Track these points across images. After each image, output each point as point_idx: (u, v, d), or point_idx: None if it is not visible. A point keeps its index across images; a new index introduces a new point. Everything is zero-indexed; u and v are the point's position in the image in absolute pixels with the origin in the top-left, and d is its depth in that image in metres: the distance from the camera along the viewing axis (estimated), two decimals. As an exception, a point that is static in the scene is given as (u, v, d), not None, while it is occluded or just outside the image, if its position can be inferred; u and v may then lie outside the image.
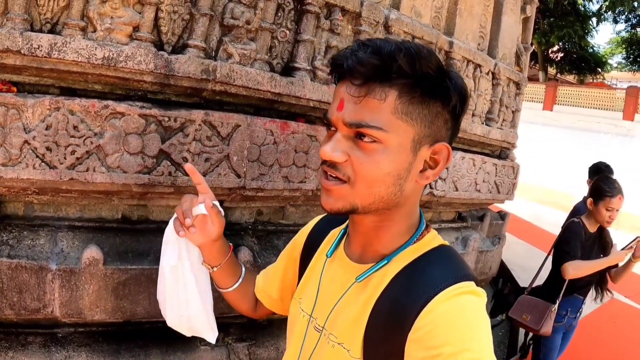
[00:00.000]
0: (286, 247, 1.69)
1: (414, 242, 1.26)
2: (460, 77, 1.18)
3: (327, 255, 1.40)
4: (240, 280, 1.73)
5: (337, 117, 1.14)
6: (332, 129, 1.19)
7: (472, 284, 1.15)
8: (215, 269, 1.68)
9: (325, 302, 1.32)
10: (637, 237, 4.13)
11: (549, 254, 4.52)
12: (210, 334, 1.82)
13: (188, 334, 1.82)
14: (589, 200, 4.22)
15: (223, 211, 1.66)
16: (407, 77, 1.09)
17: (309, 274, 1.48)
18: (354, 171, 1.13)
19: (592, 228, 4.23)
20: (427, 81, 1.11)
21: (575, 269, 3.96)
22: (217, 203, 1.63)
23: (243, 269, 1.77)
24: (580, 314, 4.44)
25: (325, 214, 1.61)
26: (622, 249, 4.15)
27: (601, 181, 4.24)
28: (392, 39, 1.14)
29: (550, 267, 4.36)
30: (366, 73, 1.09)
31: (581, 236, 4.15)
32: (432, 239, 1.29)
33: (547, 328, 4.03)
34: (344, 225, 1.46)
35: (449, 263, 1.22)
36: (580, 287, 4.24)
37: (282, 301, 1.65)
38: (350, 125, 1.12)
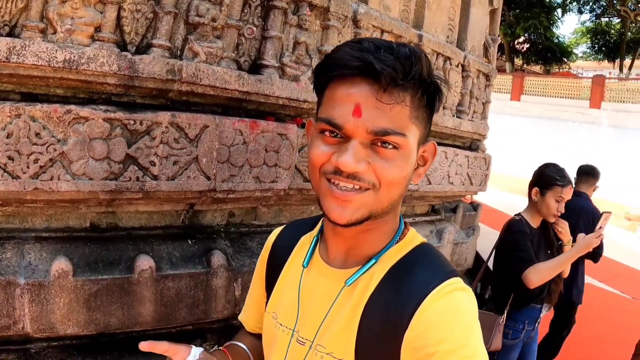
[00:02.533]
0: (255, 271, 1.61)
1: (397, 241, 1.25)
2: (442, 79, 1.22)
3: (303, 266, 1.35)
4: None
5: (356, 124, 1.07)
6: (335, 135, 1.12)
7: (459, 280, 1.16)
8: None
9: (310, 314, 1.27)
10: (603, 213, 3.76)
11: (488, 260, 4.10)
12: None
13: None
14: (534, 190, 3.80)
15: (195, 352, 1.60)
16: (422, 82, 1.10)
17: (281, 286, 1.41)
18: (379, 178, 1.10)
19: (535, 223, 3.85)
20: (433, 86, 1.14)
21: (540, 274, 3.51)
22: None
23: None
24: (538, 323, 4.02)
25: (284, 225, 1.59)
26: (591, 234, 3.62)
27: (548, 168, 3.82)
28: (397, 42, 1.12)
29: (493, 273, 3.96)
30: (394, 76, 1.05)
31: (527, 235, 3.73)
32: (413, 238, 1.29)
33: (496, 344, 3.65)
34: (315, 232, 1.42)
35: (433, 262, 1.23)
36: (536, 294, 3.75)
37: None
38: (375, 133, 1.07)
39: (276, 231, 1.58)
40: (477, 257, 5.62)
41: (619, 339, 5.96)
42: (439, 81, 1.16)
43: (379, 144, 1.09)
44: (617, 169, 19.89)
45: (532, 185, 3.85)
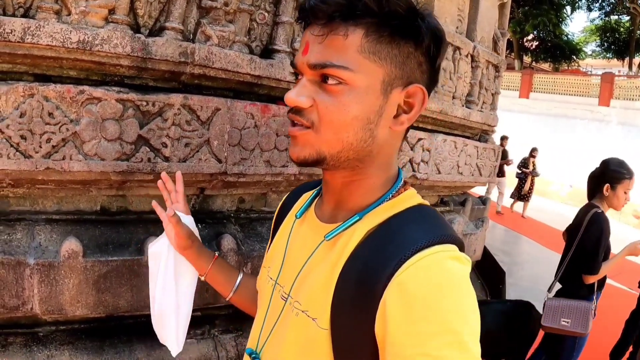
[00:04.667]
0: None
1: (389, 199, 1.17)
2: (433, 18, 1.11)
3: (296, 216, 1.34)
4: (236, 286, 1.70)
5: (302, 61, 1.09)
6: (300, 77, 1.13)
7: (454, 247, 1.04)
8: (202, 277, 1.71)
9: (291, 267, 1.24)
10: None
11: (569, 250, 4.39)
12: (174, 344, 1.80)
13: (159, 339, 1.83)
14: (606, 186, 4.20)
15: (189, 220, 1.73)
16: (374, 16, 1.02)
17: (277, 239, 1.41)
18: (319, 116, 1.07)
19: None
20: (397, 19, 1.04)
21: (598, 275, 3.99)
22: (180, 214, 1.69)
23: (240, 275, 1.72)
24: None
25: (299, 186, 1.58)
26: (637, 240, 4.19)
27: (613, 164, 4.28)
28: None
29: (568, 262, 4.30)
30: (329, 11, 1.02)
31: (609, 232, 4.11)
32: (410, 197, 1.19)
33: (590, 328, 3.97)
34: (318, 188, 1.40)
35: (427, 222, 1.10)
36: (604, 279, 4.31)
37: None
38: (314, 66, 1.06)
39: (288, 192, 1.60)
40: (485, 251, 5.62)
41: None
42: (419, 20, 1.07)
43: (326, 80, 1.06)
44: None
45: (599, 181, 4.32)
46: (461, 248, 1.08)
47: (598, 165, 4.58)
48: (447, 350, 0.89)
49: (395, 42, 1.06)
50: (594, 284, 4.10)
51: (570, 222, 4.54)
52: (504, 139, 15.96)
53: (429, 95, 1.15)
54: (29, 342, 2.34)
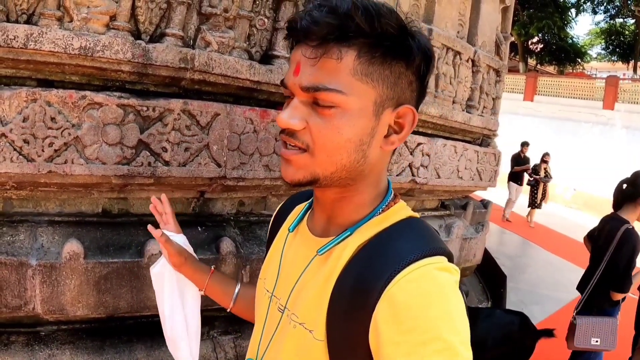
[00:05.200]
0: None
1: (380, 213, 1.17)
2: (424, 36, 1.11)
3: (289, 230, 1.35)
4: (235, 297, 1.72)
5: (294, 83, 1.06)
6: (290, 97, 1.11)
7: (443, 258, 1.05)
8: (202, 292, 1.74)
9: (286, 280, 1.26)
10: None
11: (597, 264, 4.39)
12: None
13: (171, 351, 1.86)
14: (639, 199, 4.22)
15: (181, 239, 1.77)
16: (367, 37, 1.01)
17: (272, 251, 1.43)
18: (313, 139, 1.06)
19: None
20: (388, 40, 1.03)
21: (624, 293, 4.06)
22: (170, 233, 1.73)
23: (237, 286, 1.74)
24: None
25: (293, 195, 1.59)
26: None
27: None
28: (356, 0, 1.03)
29: (598, 276, 4.30)
30: (322, 33, 1.00)
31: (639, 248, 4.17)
32: (400, 210, 1.19)
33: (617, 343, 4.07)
34: (309, 201, 1.40)
35: (417, 236, 1.11)
36: None
37: None
38: (307, 89, 1.04)
39: (281, 203, 1.60)
40: (487, 254, 5.64)
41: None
42: (410, 39, 1.06)
43: (318, 102, 1.04)
44: (630, 170, 19.77)
45: (631, 193, 4.33)
46: (450, 259, 1.08)
47: (630, 176, 4.53)
48: (437, 357, 0.90)
49: (387, 63, 1.05)
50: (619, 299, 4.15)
51: (585, 227, 4.54)
52: (524, 145, 15.35)
53: (417, 110, 1.16)
54: (30, 341, 2.38)
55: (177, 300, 1.76)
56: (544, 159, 15.20)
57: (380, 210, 1.17)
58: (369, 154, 1.10)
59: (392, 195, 1.22)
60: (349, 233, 1.15)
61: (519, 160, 15.28)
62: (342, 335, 1.06)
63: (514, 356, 3.96)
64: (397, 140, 1.13)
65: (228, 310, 1.74)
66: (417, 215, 1.21)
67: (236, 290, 1.73)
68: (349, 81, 1.03)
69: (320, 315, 1.10)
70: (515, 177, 15.34)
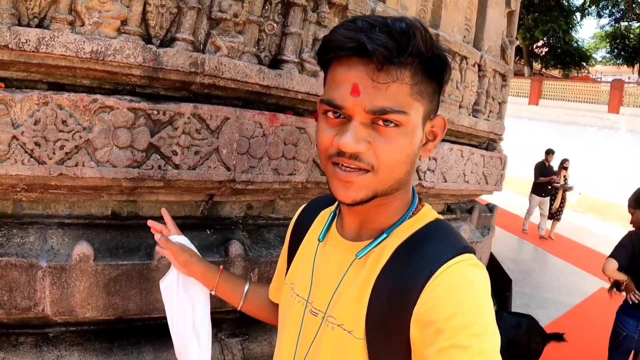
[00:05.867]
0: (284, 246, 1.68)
1: (410, 217, 1.24)
2: (443, 49, 1.17)
3: (319, 240, 1.38)
4: (244, 295, 1.76)
5: (355, 104, 1.07)
6: (338, 116, 1.12)
7: (472, 256, 1.14)
8: (212, 292, 1.78)
9: (323, 285, 1.29)
10: None
11: None
12: None
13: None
14: None
15: (183, 239, 1.82)
16: (420, 57, 1.07)
17: (299, 258, 1.46)
18: (378, 158, 1.09)
19: None
20: (435, 60, 1.10)
21: None
22: (172, 236, 1.79)
23: (247, 285, 1.78)
24: None
25: (313, 200, 1.62)
26: None
27: None
28: (397, 17, 1.08)
29: None
30: (385, 55, 1.03)
31: None
32: (427, 213, 1.28)
33: None
34: (333, 207, 1.44)
35: (447, 236, 1.20)
36: None
37: None
38: (373, 112, 1.06)
39: (301, 207, 1.63)
40: (492, 258, 5.64)
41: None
42: (442, 52, 1.13)
43: (380, 122, 1.08)
44: (635, 173, 19.74)
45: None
46: (475, 254, 1.18)
47: None
48: (472, 340, 1.00)
49: (430, 80, 1.12)
50: None
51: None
52: (549, 153, 14.04)
53: None
54: (39, 342, 2.39)
55: (187, 307, 1.79)
56: (564, 165, 14.16)
57: (411, 213, 1.26)
58: (415, 163, 1.19)
59: (418, 198, 1.30)
60: (385, 236, 1.22)
61: (543, 169, 13.81)
62: (382, 332, 1.13)
63: (522, 358, 3.99)
64: (433, 147, 1.24)
65: (238, 308, 1.78)
66: (440, 217, 1.30)
67: (245, 288, 1.77)
68: (409, 102, 1.09)
69: (359, 315, 1.16)
70: (538, 189, 13.83)
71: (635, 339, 4.22)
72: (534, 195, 13.94)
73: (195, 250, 1.81)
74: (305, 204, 1.64)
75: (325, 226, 1.40)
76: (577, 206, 20.42)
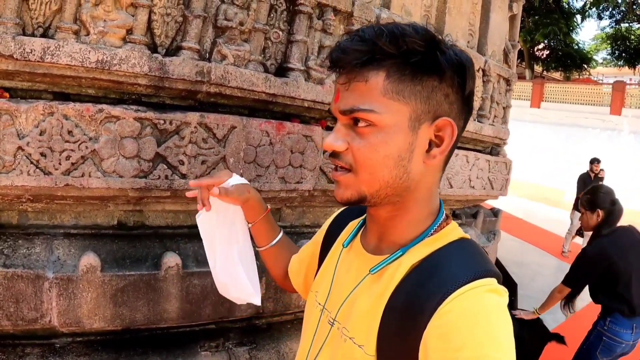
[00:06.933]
0: (314, 237, 1.68)
1: (432, 234, 1.19)
2: (455, 50, 1.14)
3: (343, 245, 1.38)
4: (274, 241, 1.76)
5: (335, 108, 1.15)
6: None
7: (493, 280, 1.08)
8: (250, 225, 1.74)
9: (338, 294, 1.29)
10: None
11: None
12: (254, 296, 1.79)
13: (230, 296, 1.83)
14: None
15: (236, 179, 1.71)
16: (393, 57, 1.07)
17: (325, 266, 1.45)
18: (354, 158, 1.13)
19: None
20: (415, 57, 1.07)
21: None
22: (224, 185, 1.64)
23: (281, 233, 1.79)
24: None
25: (344, 209, 1.61)
26: None
27: None
28: (382, 24, 1.12)
29: None
30: (349, 60, 1.09)
31: None
32: (452, 231, 1.21)
33: None
34: (363, 217, 1.43)
35: (469, 258, 1.14)
36: None
37: (305, 288, 1.65)
38: (344, 112, 1.12)
39: (336, 212, 1.64)
40: (497, 262, 5.62)
41: None
42: (438, 54, 1.09)
43: (356, 123, 1.12)
44: (638, 175, 19.74)
45: None
46: (499, 280, 1.11)
47: None
48: None
49: (418, 79, 1.09)
50: None
51: None
52: (594, 162, 12.61)
53: (465, 123, 1.20)
54: (45, 353, 2.38)
55: (233, 243, 1.74)
56: (599, 176, 12.42)
57: (433, 230, 1.20)
58: (411, 169, 1.14)
59: (444, 215, 1.24)
60: (401, 253, 1.18)
61: (588, 182, 11.72)
62: (392, 352, 1.10)
63: (523, 356, 3.97)
64: (439, 154, 1.16)
65: (261, 249, 1.78)
66: (467, 236, 1.23)
67: (278, 237, 1.77)
68: (380, 100, 1.09)
69: (371, 332, 1.13)
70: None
71: (630, 345, 4.15)
72: (576, 212, 11.44)
73: (245, 181, 1.74)
74: (340, 210, 1.63)
75: (352, 234, 1.39)
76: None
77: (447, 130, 1.14)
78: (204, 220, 1.72)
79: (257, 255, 1.79)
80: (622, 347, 4.09)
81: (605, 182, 11.63)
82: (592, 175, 12.43)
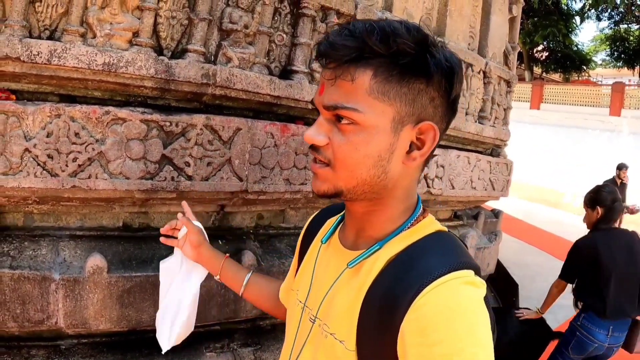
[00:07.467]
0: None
1: (408, 227, 1.18)
2: (446, 51, 1.11)
3: (322, 242, 1.37)
4: (245, 283, 1.79)
5: (318, 101, 1.14)
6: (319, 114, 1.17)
7: (470, 272, 1.06)
8: (217, 277, 1.84)
9: (318, 291, 1.28)
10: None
11: None
12: (165, 341, 1.94)
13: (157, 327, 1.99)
14: None
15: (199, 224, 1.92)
16: (382, 56, 1.05)
17: (305, 263, 1.45)
18: (334, 154, 1.11)
19: None
20: (405, 59, 1.05)
21: None
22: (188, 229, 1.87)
23: (249, 273, 1.82)
24: None
25: (324, 208, 1.61)
26: None
27: None
28: (373, 21, 1.08)
29: None
30: (338, 56, 1.07)
31: None
32: (429, 224, 1.21)
33: None
34: (342, 213, 1.42)
35: (445, 250, 1.13)
36: None
37: None
38: (327, 107, 1.10)
39: (312, 215, 1.63)
40: (497, 263, 5.63)
41: None
42: (428, 56, 1.07)
43: (339, 119, 1.10)
44: (638, 176, 19.74)
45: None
46: (477, 272, 1.09)
47: None
48: None
49: (405, 81, 1.07)
50: None
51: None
52: (621, 168, 11.89)
53: (447, 126, 1.19)
54: (51, 354, 2.39)
55: (180, 290, 1.90)
56: (623, 181, 11.91)
57: (409, 224, 1.19)
58: (390, 169, 1.13)
59: (421, 209, 1.23)
60: (378, 247, 1.17)
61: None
62: (371, 346, 1.09)
63: (525, 355, 3.99)
64: (419, 156, 1.14)
65: (240, 294, 1.82)
66: (445, 229, 1.23)
67: (247, 277, 1.80)
68: (365, 100, 1.07)
69: (351, 327, 1.12)
70: None
71: (605, 347, 4.13)
72: None
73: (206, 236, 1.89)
74: (316, 212, 1.63)
75: (330, 230, 1.39)
76: (581, 210, 20.38)
77: (429, 134, 1.13)
78: (166, 267, 1.92)
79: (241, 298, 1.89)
80: (594, 346, 4.06)
81: (630, 188, 11.54)
82: (619, 182, 11.70)
